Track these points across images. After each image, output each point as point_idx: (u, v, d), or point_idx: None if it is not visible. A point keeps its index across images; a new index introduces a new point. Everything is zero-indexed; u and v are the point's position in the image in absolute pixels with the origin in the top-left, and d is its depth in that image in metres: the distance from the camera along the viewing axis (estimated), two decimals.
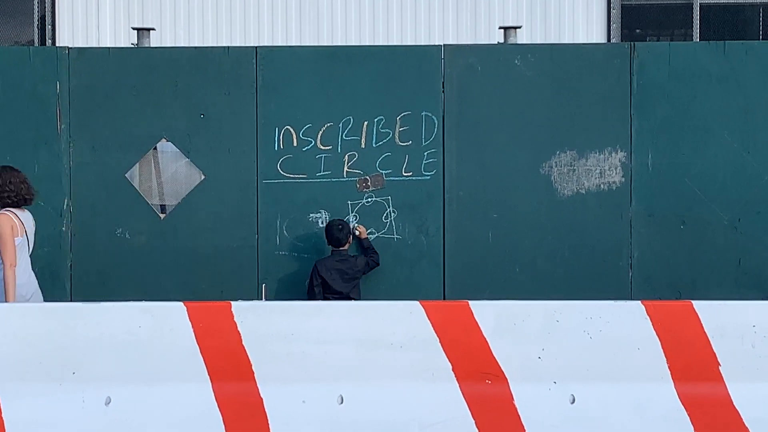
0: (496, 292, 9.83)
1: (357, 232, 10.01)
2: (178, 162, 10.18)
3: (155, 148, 10.17)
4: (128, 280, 10.12)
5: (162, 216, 10.16)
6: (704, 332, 7.58)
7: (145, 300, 8.04)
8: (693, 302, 7.70)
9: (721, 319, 7.62)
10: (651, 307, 7.66)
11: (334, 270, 9.80)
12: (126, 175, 10.15)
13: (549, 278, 10.08)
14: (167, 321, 7.62)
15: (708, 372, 7.54)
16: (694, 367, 7.55)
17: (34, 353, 7.57)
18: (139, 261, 10.15)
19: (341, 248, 9.83)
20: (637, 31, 15.16)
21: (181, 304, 7.67)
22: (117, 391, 7.50)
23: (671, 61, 10.00)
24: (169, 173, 10.19)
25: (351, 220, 10.06)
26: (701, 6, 14.31)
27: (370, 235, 10.05)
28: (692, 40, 14.31)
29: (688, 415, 7.43)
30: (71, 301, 9.93)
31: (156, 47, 10.73)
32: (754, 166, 9.99)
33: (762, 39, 14.47)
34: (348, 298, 9.64)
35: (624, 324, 7.62)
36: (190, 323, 7.58)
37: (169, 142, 10.14)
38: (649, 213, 10.05)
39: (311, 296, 9.81)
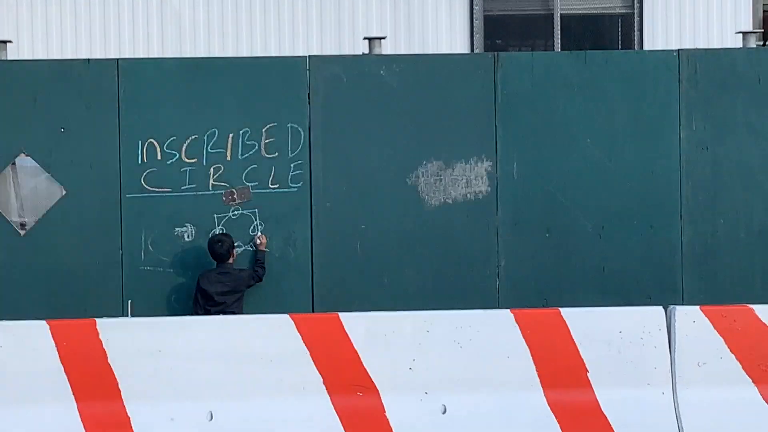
0: (365, 304, 9.78)
1: (258, 242, 9.91)
2: (38, 177, 9.94)
3: (14, 163, 9.91)
4: None
5: (22, 233, 9.91)
6: (572, 339, 7.69)
7: (5, 319, 7.81)
8: (561, 309, 7.81)
9: (589, 325, 7.74)
10: (520, 315, 7.74)
11: (216, 283, 9.68)
12: None
13: (418, 288, 10.08)
14: (29, 340, 7.46)
15: (577, 378, 7.65)
16: (563, 374, 7.66)
17: None
18: None
19: (225, 262, 9.71)
20: (498, 41, 15.33)
21: (43, 322, 7.52)
22: None
23: (534, 71, 10.10)
24: (28, 189, 9.94)
25: (217, 233, 9.91)
26: (561, 16, 14.53)
27: (237, 249, 9.92)
28: (554, 50, 14.52)
29: (558, 421, 7.53)
30: None
31: (14, 60, 10.49)
32: (617, 174, 10.14)
33: (620, 48, 14.75)
34: (230, 311, 9.53)
35: (494, 332, 7.70)
36: (53, 342, 7.42)
37: (29, 157, 9.90)
38: (515, 221, 10.13)
39: (195, 309, 9.68)
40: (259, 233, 9.95)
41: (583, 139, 10.14)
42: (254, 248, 9.95)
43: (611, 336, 7.70)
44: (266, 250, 9.92)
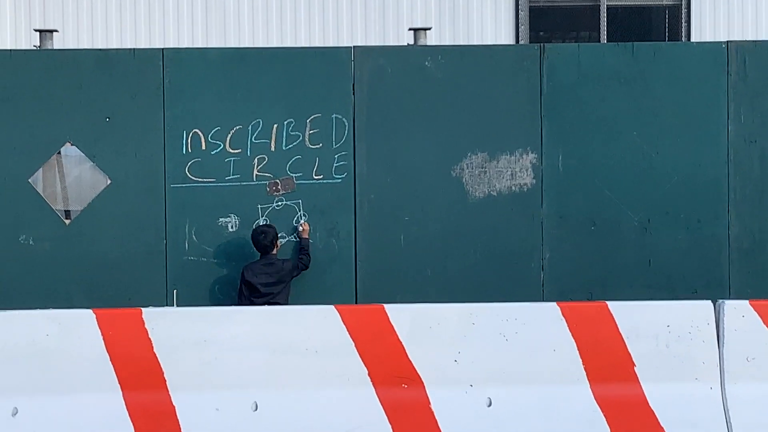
0: (409, 296, 9.76)
1: (300, 229, 9.89)
2: (83, 166, 9.96)
3: (59, 153, 9.94)
4: (32, 288, 9.86)
5: (67, 222, 9.94)
6: (619, 333, 7.60)
7: (52, 308, 7.83)
8: (608, 303, 7.72)
9: (636, 319, 7.65)
10: (566, 308, 7.67)
11: (261, 274, 9.66)
12: (29, 180, 9.91)
13: (462, 281, 10.03)
14: (75, 329, 7.46)
15: (623, 372, 7.57)
16: (609, 368, 7.58)
17: None
18: (44, 268, 9.90)
19: (269, 253, 9.70)
20: (543, 33, 15.26)
21: (89, 311, 7.52)
22: (24, 401, 7.31)
23: (581, 63, 10.03)
24: (73, 178, 9.97)
25: (261, 224, 9.90)
26: (608, 7, 14.43)
27: (281, 240, 9.91)
28: (598, 41, 14.41)
29: (604, 415, 7.45)
30: None
31: (59, 49, 10.51)
32: (663, 167, 10.05)
33: (667, 40, 14.62)
34: (275, 302, 9.51)
35: (540, 326, 7.63)
36: (99, 331, 7.42)
37: (74, 146, 9.92)
38: (560, 215, 10.07)
39: (240, 301, 9.67)
40: (302, 221, 9.93)
41: (629, 131, 10.05)
42: (297, 237, 9.93)
43: (659, 330, 7.61)
44: (309, 238, 9.90)
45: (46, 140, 9.91)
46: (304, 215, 9.98)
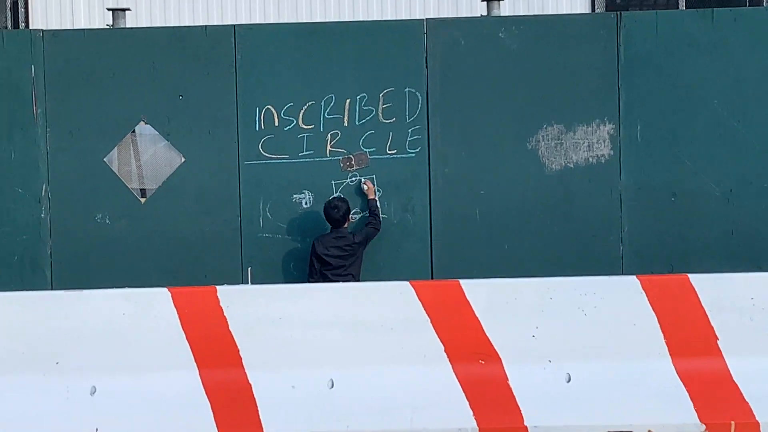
0: (484, 271, 9.65)
1: (365, 188, 9.83)
2: (158, 145, 9.97)
3: (133, 131, 9.96)
4: (109, 266, 9.92)
5: (142, 200, 9.97)
6: (701, 306, 7.46)
7: (127, 286, 7.85)
8: (689, 275, 7.57)
9: (719, 292, 7.50)
10: (646, 281, 7.53)
11: (332, 247, 9.58)
12: (104, 159, 9.95)
13: (538, 255, 9.91)
14: (151, 308, 7.48)
15: (706, 347, 7.42)
16: (691, 342, 7.44)
17: (16, 344, 7.41)
18: (120, 246, 9.95)
19: (341, 227, 9.63)
20: (619, 1, 15.00)
21: (165, 289, 7.52)
22: (102, 380, 7.35)
23: (659, 31, 9.81)
24: (148, 156, 9.99)
25: (334, 197, 9.84)
26: None
27: (354, 216, 9.85)
28: (677, 8, 14.15)
29: (687, 390, 7.31)
30: (52, 288, 9.73)
31: (132, 28, 10.52)
32: (745, 136, 9.82)
33: (748, 5, 14.32)
34: (347, 274, 9.49)
35: (619, 300, 7.50)
36: (174, 309, 7.43)
37: (148, 125, 9.94)
38: (639, 186, 9.89)
39: (311, 274, 9.63)
40: (363, 179, 9.85)
41: (710, 100, 9.83)
42: (367, 199, 9.85)
43: (743, 303, 7.45)
44: (376, 198, 9.81)
45: (121, 119, 9.94)
46: (378, 190, 9.90)
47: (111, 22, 10.53)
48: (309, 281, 9.56)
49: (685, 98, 9.84)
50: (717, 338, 7.40)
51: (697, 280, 7.51)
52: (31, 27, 15.08)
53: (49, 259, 9.96)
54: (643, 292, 7.46)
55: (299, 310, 7.49)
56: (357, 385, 7.35)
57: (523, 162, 9.91)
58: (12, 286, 9.56)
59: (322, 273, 9.53)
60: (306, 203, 9.97)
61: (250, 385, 7.30)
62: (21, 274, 9.39)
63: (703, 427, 7.11)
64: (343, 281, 9.31)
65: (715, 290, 7.49)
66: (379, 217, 9.76)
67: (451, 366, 7.39)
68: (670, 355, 7.42)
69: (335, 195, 9.86)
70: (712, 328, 7.42)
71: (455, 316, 7.45)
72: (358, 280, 9.54)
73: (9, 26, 15.19)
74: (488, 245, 9.93)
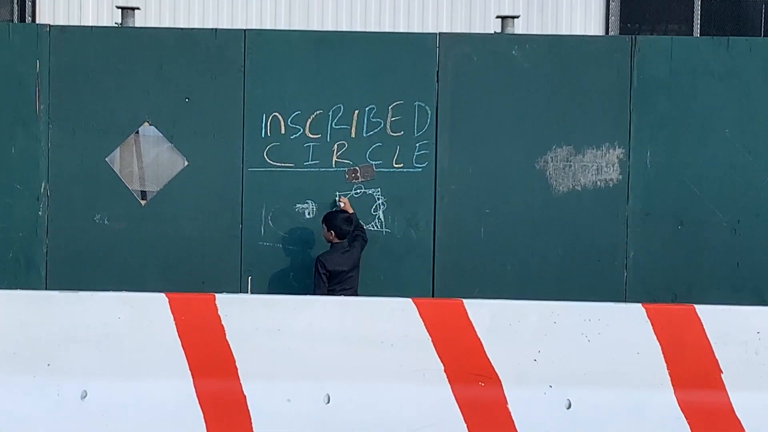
0: (486, 290, 9.57)
1: (341, 205, 9.68)
2: (161, 147, 9.86)
3: (137, 132, 9.85)
4: (106, 268, 9.80)
5: (143, 202, 9.85)
6: (706, 338, 7.36)
7: (123, 289, 7.75)
8: (695, 306, 7.47)
9: (724, 324, 7.40)
10: (652, 310, 7.43)
11: (343, 263, 9.28)
12: (106, 159, 9.83)
13: (541, 277, 9.81)
14: (148, 313, 7.37)
15: (709, 379, 7.33)
16: (695, 374, 7.34)
17: (7, 343, 7.29)
18: (118, 248, 9.83)
19: (342, 240, 9.45)
20: (633, 24, 14.91)
21: (162, 295, 7.41)
22: (94, 384, 7.24)
23: (673, 56, 9.73)
24: (150, 158, 9.88)
25: (336, 209, 9.72)
26: (702, 0, 14.08)
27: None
28: (691, 35, 14.07)
29: (688, 423, 7.22)
30: (46, 288, 9.61)
31: (140, 27, 10.39)
32: (755, 167, 9.73)
33: (763, 36, 14.24)
34: (352, 288, 9.33)
35: (624, 327, 7.40)
36: (171, 315, 7.32)
37: (152, 126, 9.82)
38: (646, 212, 9.79)
39: (318, 290, 9.27)
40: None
41: (721, 129, 9.74)
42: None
43: (748, 336, 7.35)
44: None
45: (125, 119, 9.83)
46: (383, 204, 9.80)
47: (119, 20, 10.42)
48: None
49: (696, 126, 9.75)
50: (721, 371, 7.31)
51: (703, 311, 7.42)
52: (37, 21, 14.98)
53: (45, 258, 9.84)
54: (648, 320, 7.36)
55: (299, 322, 7.38)
56: (354, 401, 7.24)
57: (531, 182, 9.81)
58: (5, 284, 9.47)
59: (332, 289, 9.25)
60: (309, 213, 9.85)
61: (245, 397, 7.19)
62: (15, 272, 9.27)
63: None
64: (351, 294, 9.16)
65: (721, 322, 7.40)
66: (364, 230, 9.64)
67: (450, 386, 7.29)
68: (673, 386, 7.33)
69: (336, 207, 9.72)
70: (717, 360, 7.32)
71: (457, 335, 7.35)
72: (357, 293, 9.42)
73: (15, 20, 15.09)
74: (492, 265, 9.83)
